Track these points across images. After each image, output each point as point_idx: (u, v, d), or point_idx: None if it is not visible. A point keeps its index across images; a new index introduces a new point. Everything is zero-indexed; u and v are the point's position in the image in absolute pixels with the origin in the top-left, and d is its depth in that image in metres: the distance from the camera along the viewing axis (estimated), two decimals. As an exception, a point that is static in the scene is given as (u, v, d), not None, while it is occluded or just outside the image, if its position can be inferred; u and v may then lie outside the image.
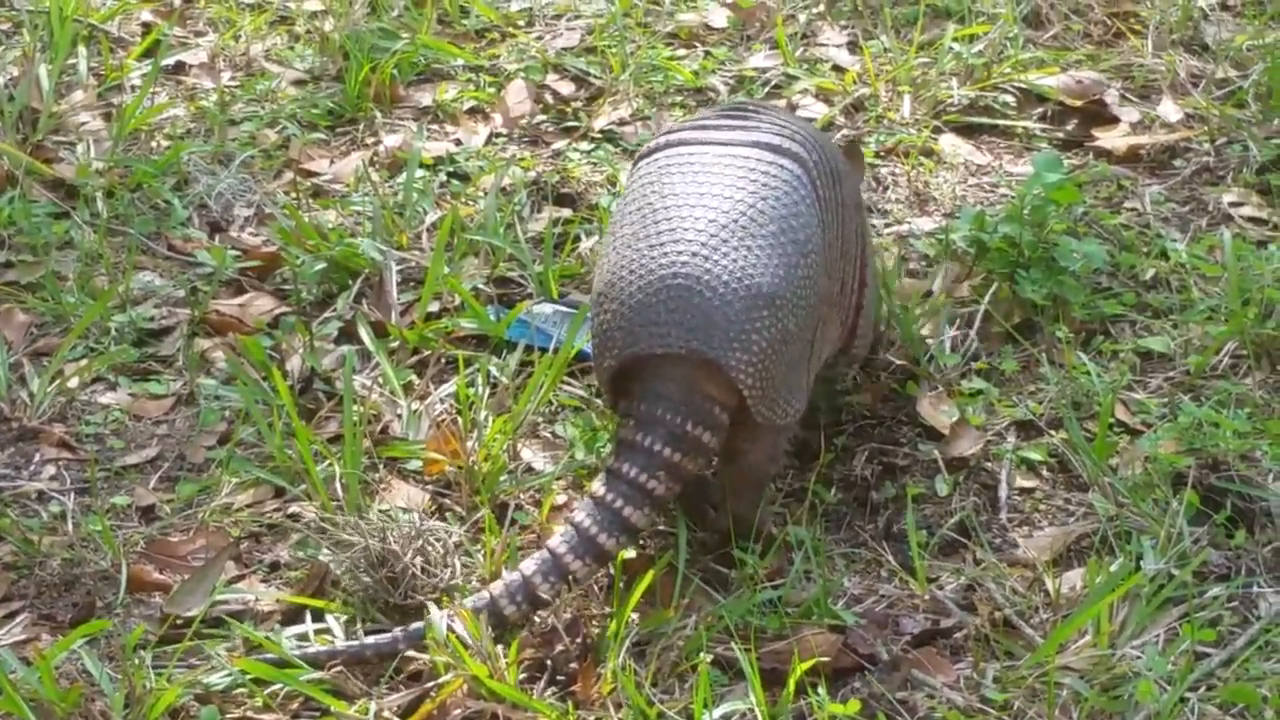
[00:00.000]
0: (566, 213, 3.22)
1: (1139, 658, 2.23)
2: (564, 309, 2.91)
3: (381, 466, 2.63)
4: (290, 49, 3.80)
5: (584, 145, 3.46)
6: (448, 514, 2.53)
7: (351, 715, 2.18)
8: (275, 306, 3.02)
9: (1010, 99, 3.55)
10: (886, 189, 3.30)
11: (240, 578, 2.46)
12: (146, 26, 3.88)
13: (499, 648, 2.21)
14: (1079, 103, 3.54)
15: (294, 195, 3.29)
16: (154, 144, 3.46)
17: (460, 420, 2.63)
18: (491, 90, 3.64)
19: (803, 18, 3.84)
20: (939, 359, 2.79)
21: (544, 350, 2.75)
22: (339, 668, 2.25)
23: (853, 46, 3.75)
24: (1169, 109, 3.52)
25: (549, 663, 2.24)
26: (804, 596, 2.36)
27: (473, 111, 3.60)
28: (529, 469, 2.65)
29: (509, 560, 2.39)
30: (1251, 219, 3.20)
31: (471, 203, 3.25)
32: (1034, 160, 3.07)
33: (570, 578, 2.27)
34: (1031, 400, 2.75)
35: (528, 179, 3.31)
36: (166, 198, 3.27)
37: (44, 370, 2.82)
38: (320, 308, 3.01)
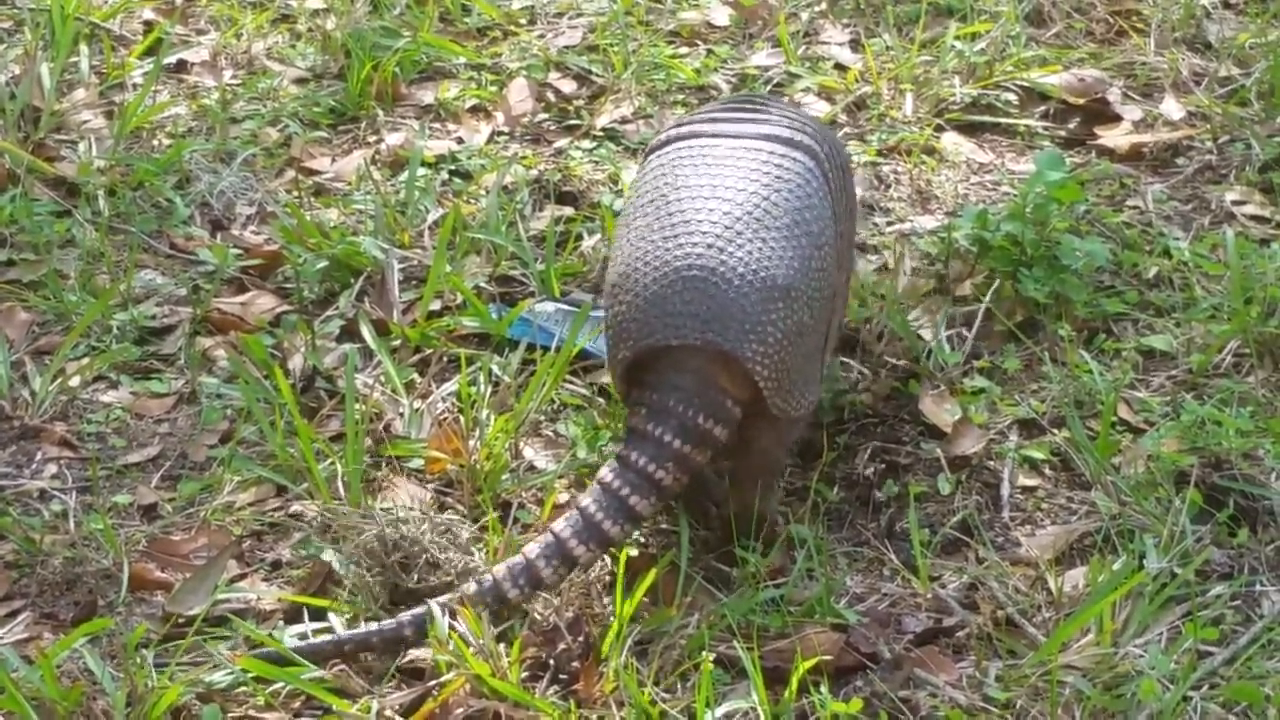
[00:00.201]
0: (568, 211, 3.22)
1: (1142, 656, 2.23)
2: (566, 307, 2.90)
3: (384, 465, 2.62)
4: (292, 47, 3.80)
5: (586, 144, 3.46)
6: (450, 512, 2.53)
7: (354, 714, 2.18)
8: (277, 305, 3.02)
9: (1012, 97, 3.55)
10: (889, 187, 3.30)
11: (242, 576, 2.46)
12: (148, 25, 3.88)
13: (501, 646, 2.21)
14: (1081, 101, 3.54)
15: (296, 193, 3.29)
16: (156, 142, 3.46)
17: (462, 419, 2.63)
18: (493, 88, 3.64)
19: (805, 16, 3.84)
20: (940, 357, 2.78)
21: (546, 349, 2.75)
22: (341, 665, 2.25)
23: (855, 44, 3.75)
24: (1171, 107, 3.52)
25: (551, 661, 2.24)
26: (806, 595, 2.36)
27: (475, 110, 3.60)
28: (531, 467, 2.65)
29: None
30: (1254, 217, 3.19)
31: (473, 201, 3.25)
32: (1036, 158, 3.07)
33: (573, 561, 2.27)
34: (1034, 399, 2.75)
35: (530, 177, 3.31)
36: (168, 196, 3.27)
37: (46, 369, 2.82)
38: (322, 306, 3.01)
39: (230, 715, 2.22)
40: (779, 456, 2.47)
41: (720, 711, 2.17)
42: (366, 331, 2.87)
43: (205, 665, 2.27)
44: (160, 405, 2.81)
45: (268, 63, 3.73)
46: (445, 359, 2.84)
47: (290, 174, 3.37)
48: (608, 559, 2.37)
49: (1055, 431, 2.68)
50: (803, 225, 2.36)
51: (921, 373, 2.77)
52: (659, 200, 2.39)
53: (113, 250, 3.13)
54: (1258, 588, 2.40)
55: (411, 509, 2.45)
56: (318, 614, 2.34)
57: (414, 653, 2.26)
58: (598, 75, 3.67)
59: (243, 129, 3.49)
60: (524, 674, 2.23)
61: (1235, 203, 3.23)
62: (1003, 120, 3.50)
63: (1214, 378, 2.77)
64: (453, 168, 3.38)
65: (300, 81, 3.67)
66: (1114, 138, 3.43)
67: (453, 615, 2.23)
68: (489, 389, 2.70)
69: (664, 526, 2.47)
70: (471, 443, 2.59)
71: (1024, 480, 2.61)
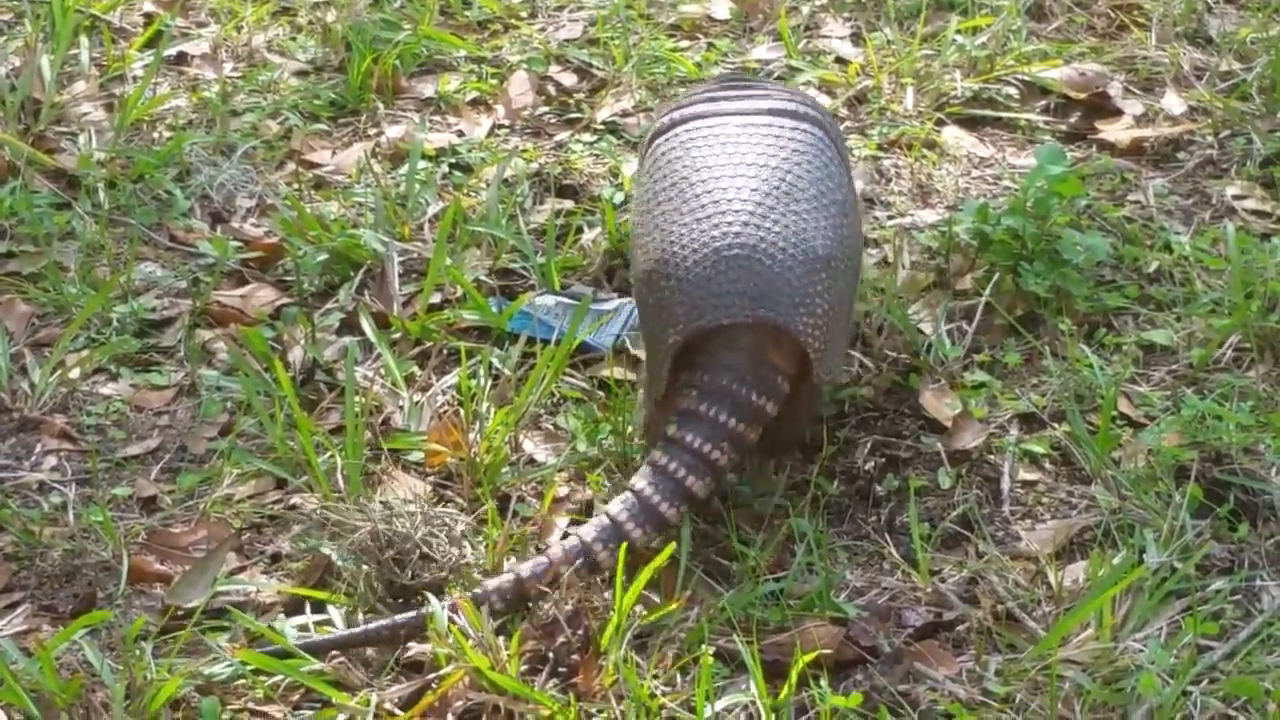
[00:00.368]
0: (569, 204, 3.22)
1: (1141, 651, 2.23)
2: (566, 301, 2.90)
3: (383, 458, 2.62)
4: (292, 40, 3.80)
5: (586, 137, 3.45)
6: (449, 505, 2.53)
7: (353, 706, 2.18)
8: (277, 297, 3.02)
9: (1013, 91, 3.55)
10: (889, 181, 3.30)
11: (241, 569, 2.46)
12: (148, 17, 3.87)
13: (500, 639, 2.21)
14: (1082, 95, 3.53)
15: (296, 186, 3.29)
16: (156, 135, 3.46)
17: (462, 412, 2.62)
18: (494, 82, 3.64)
19: (805, 9, 3.84)
20: (940, 351, 2.78)
21: (546, 342, 2.75)
22: (340, 658, 2.24)
23: (856, 38, 3.74)
24: (1172, 102, 3.52)
25: (550, 654, 2.24)
26: (806, 589, 2.36)
27: (475, 103, 3.59)
28: (531, 461, 2.64)
29: (510, 552, 2.39)
30: (1255, 212, 3.19)
31: (474, 194, 3.25)
32: (1037, 153, 3.06)
33: (629, 544, 2.28)
34: (1034, 393, 2.74)
35: (530, 170, 3.31)
36: (168, 188, 3.27)
37: (45, 361, 2.82)
38: (322, 299, 3.01)
39: (229, 708, 2.22)
40: (809, 426, 2.53)
41: (720, 705, 2.17)
42: (366, 324, 2.87)
43: (205, 658, 2.27)
44: (160, 398, 2.81)
45: (268, 55, 3.73)
46: (445, 352, 2.84)
47: (290, 167, 3.36)
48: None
49: (1055, 426, 2.67)
50: (828, 195, 2.39)
51: (922, 367, 2.77)
52: (681, 183, 2.39)
53: (113, 243, 3.13)
54: (1258, 582, 2.39)
55: (409, 503, 2.44)
56: (317, 606, 2.34)
57: (414, 646, 2.26)
58: (598, 68, 3.67)
59: (243, 122, 3.49)
60: (523, 667, 2.22)
61: (1236, 197, 3.23)
62: (1004, 114, 3.50)
63: (1214, 372, 2.77)
64: (453, 161, 3.38)
65: (301, 74, 3.67)
66: (1115, 132, 3.43)
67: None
68: (489, 382, 2.70)
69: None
70: (471, 436, 2.59)
71: (1024, 474, 2.61)
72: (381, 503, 2.43)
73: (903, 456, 2.64)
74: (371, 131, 3.49)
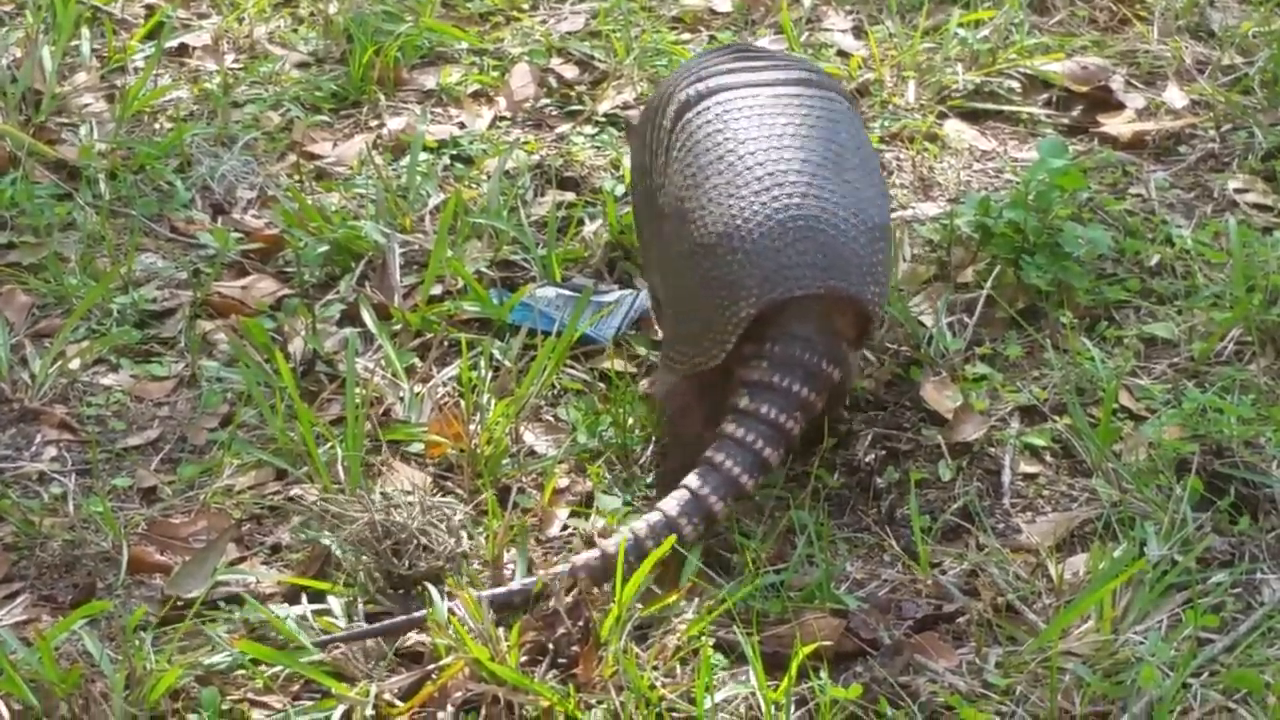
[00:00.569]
0: (570, 196, 3.22)
1: (1142, 643, 2.23)
2: (567, 293, 2.90)
3: (384, 449, 2.62)
4: (294, 31, 3.79)
5: (588, 129, 3.45)
6: (450, 496, 2.52)
7: (352, 697, 2.18)
8: (278, 289, 3.02)
9: (1015, 85, 3.55)
10: (891, 174, 3.29)
11: (241, 559, 2.46)
12: (150, 8, 3.87)
13: (500, 630, 2.21)
14: (1084, 89, 3.53)
15: (297, 178, 3.29)
16: (157, 126, 3.46)
17: (463, 403, 2.62)
18: (495, 74, 3.64)
19: (807, 2, 3.83)
20: (941, 344, 2.78)
21: (547, 334, 2.75)
22: (340, 649, 2.24)
23: (858, 31, 3.74)
24: (1174, 95, 3.52)
25: (550, 645, 2.24)
26: (806, 581, 2.36)
27: (476, 95, 3.59)
28: (531, 452, 2.64)
29: (510, 543, 2.39)
30: (1256, 205, 3.19)
31: (475, 186, 3.25)
32: (1039, 146, 3.06)
33: (713, 519, 2.31)
34: (1035, 385, 2.74)
35: (531, 162, 3.31)
36: (169, 179, 3.27)
37: (45, 351, 2.82)
38: (323, 290, 3.01)
39: (229, 698, 2.22)
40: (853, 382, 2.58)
41: (720, 696, 2.17)
42: (367, 316, 2.86)
43: (204, 648, 2.27)
44: (160, 388, 2.81)
45: (269, 47, 3.73)
46: (446, 344, 2.84)
47: (291, 158, 3.36)
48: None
49: (1056, 418, 2.67)
50: (870, 163, 2.44)
51: (923, 359, 2.77)
52: (728, 155, 2.40)
53: (113, 233, 3.13)
54: (1258, 575, 2.39)
55: (408, 494, 2.44)
56: (317, 596, 2.34)
57: (413, 636, 2.26)
58: (600, 61, 3.66)
59: (244, 113, 3.49)
60: (523, 658, 2.22)
61: (1238, 191, 3.22)
62: (1005, 107, 3.50)
63: (1215, 365, 2.77)
64: (454, 153, 3.38)
65: (302, 66, 3.67)
66: (1117, 125, 3.43)
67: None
68: (489, 374, 2.70)
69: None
70: (472, 427, 2.59)
71: (1025, 467, 2.61)
72: (381, 494, 2.43)
73: (903, 449, 2.63)
74: (373, 123, 3.49)
